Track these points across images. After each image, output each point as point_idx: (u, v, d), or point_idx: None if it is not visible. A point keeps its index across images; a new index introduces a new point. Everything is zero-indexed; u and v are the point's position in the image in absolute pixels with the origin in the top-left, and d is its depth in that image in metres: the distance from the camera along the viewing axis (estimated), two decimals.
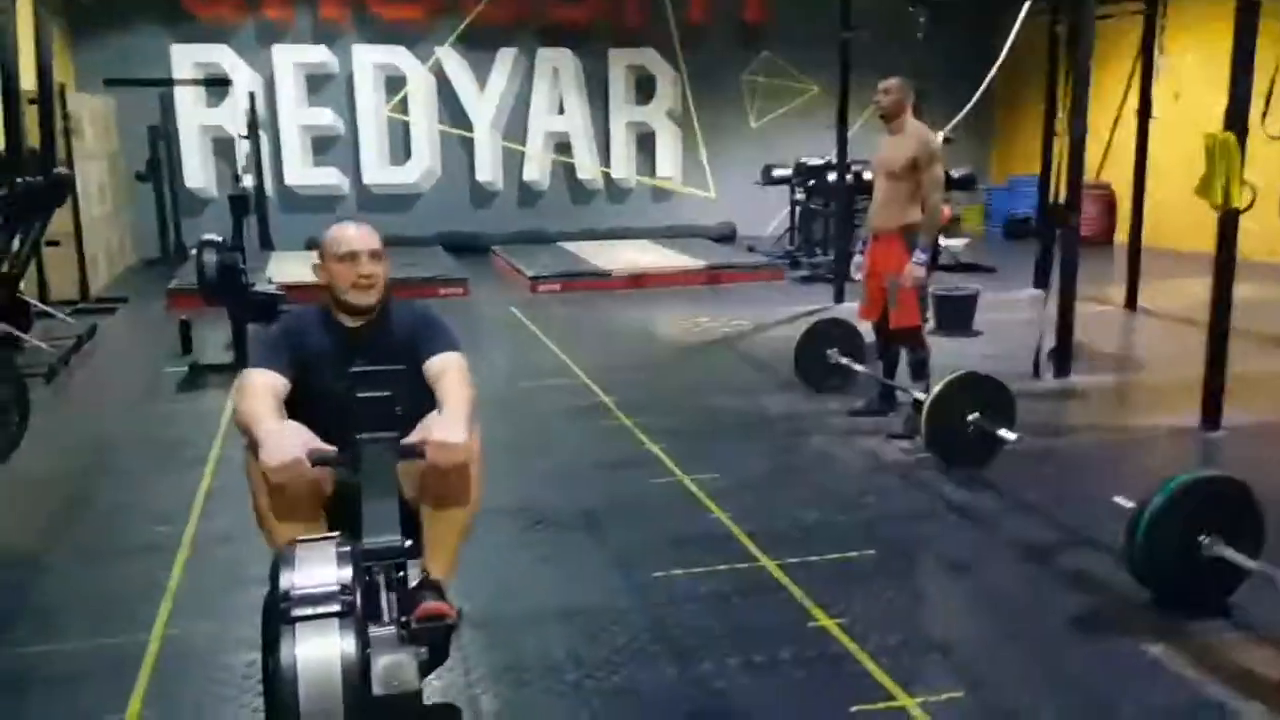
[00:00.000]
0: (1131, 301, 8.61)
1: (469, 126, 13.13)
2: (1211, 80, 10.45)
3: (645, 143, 13.74)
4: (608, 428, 5.46)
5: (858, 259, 5.47)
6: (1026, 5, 9.02)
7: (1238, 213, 5.05)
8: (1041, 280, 9.25)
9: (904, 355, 5.30)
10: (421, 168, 13.07)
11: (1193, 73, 10.43)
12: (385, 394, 2.36)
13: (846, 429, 5.31)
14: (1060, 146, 7.86)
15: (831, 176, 10.22)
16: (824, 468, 4.77)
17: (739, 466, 4.76)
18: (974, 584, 3.56)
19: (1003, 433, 4.51)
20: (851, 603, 3.37)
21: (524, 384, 6.44)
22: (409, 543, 2.22)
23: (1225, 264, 5.13)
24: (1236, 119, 4.97)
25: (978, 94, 9.93)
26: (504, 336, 8.15)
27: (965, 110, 10.06)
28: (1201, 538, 3.17)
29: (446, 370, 2.66)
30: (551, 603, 3.42)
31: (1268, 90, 6.38)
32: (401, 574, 2.17)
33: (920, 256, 5.01)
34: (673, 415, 5.66)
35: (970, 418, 4.60)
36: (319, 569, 1.88)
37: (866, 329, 5.61)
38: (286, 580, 1.84)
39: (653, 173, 13.84)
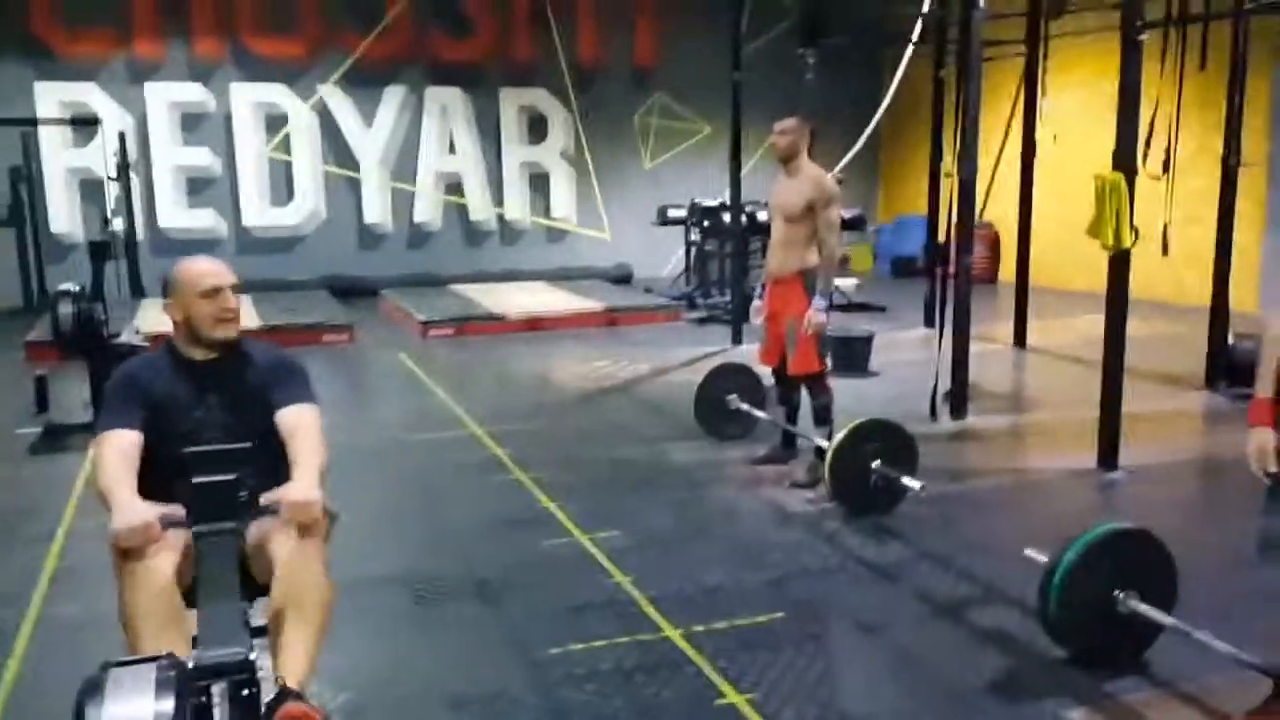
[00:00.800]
0: (1020, 339, 8.73)
1: (355, 166, 12.73)
2: (1088, 122, 10.93)
3: (539, 183, 13.54)
4: (501, 484, 5.18)
5: (756, 302, 5.34)
6: (909, 50, 9.21)
7: (1128, 253, 5.09)
8: (932, 319, 9.37)
9: (808, 400, 5.17)
10: (305, 209, 12.60)
11: (1068, 114, 10.78)
12: (228, 477, 2.07)
13: (750, 479, 5.15)
14: (948, 187, 7.99)
15: (726, 217, 10.19)
16: (728, 521, 4.58)
17: (641, 523, 4.54)
18: (887, 646, 3.39)
19: (907, 480, 4.40)
20: (762, 675, 3.17)
21: (412, 437, 6.12)
22: (253, 655, 1.91)
23: (1117, 304, 5.16)
24: (1124, 159, 5.02)
25: (865, 135, 10.08)
26: (392, 385, 7.79)
27: (854, 151, 10.22)
28: (1116, 593, 3.08)
29: (301, 426, 2.56)
30: (440, 688, 3.13)
31: (1147, 133, 6.57)
32: (249, 691, 1.87)
33: (820, 302, 4.90)
34: (570, 469, 5.41)
35: (874, 465, 4.48)
36: (132, 702, 1.57)
37: (766, 373, 5.48)
38: (92, 717, 1.53)
39: (547, 213, 13.64)
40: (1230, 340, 6.87)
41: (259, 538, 2.36)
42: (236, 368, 2.65)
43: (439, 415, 6.64)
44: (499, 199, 13.37)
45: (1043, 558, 3.22)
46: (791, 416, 5.30)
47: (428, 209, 13.09)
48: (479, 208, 13.27)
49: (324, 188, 12.65)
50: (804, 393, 5.18)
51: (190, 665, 1.77)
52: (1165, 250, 7.78)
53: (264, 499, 2.28)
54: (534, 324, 10.01)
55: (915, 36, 9.09)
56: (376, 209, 12.86)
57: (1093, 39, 9.12)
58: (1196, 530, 4.34)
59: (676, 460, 5.52)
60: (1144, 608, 3.05)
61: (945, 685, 3.11)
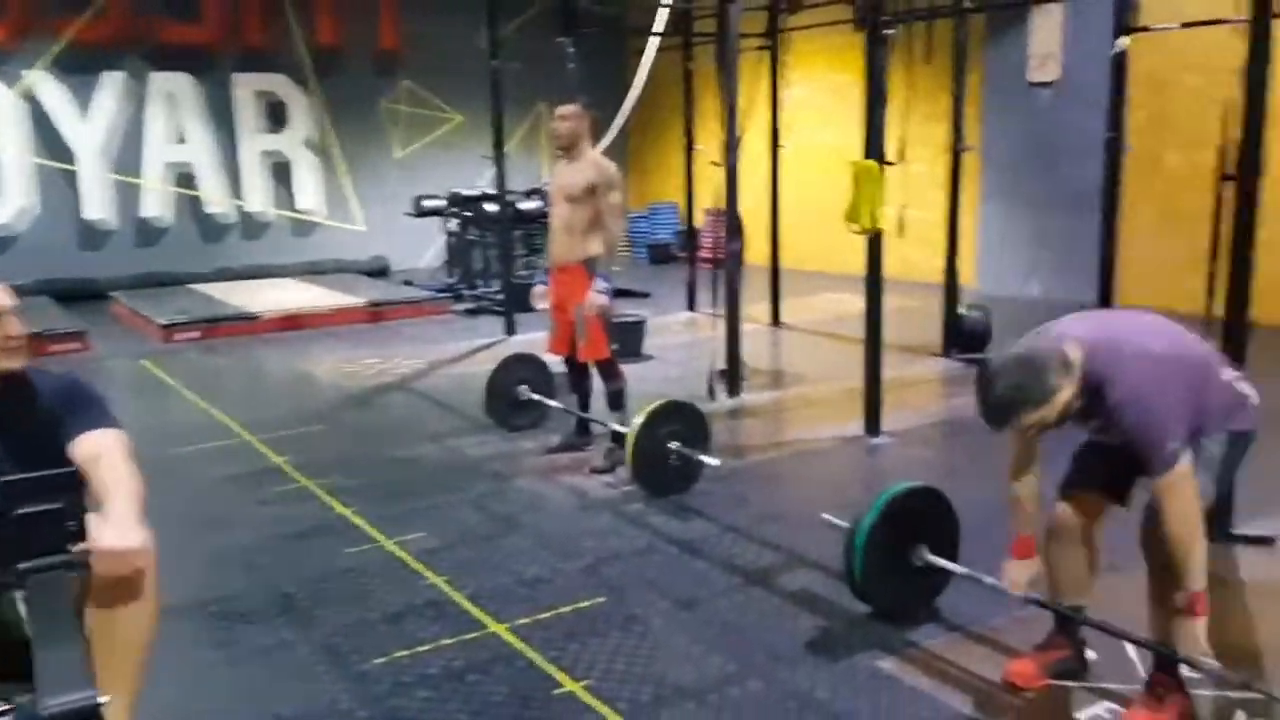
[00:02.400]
0: (776, 318, 9.23)
1: (70, 158, 11.58)
2: (816, 113, 11.68)
3: (281, 173, 12.84)
4: (287, 493, 4.92)
5: (539, 288, 5.36)
6: (654, 42, 9.47)
7: (880, 234, 5.51)
8: (693, 303, 9.74)
9: (601, 387, 5.24)
10: (14, 206, 11.33)
11: (798, 106, 11.45)
12: (52, 506, 1.87)
13: (548, 468, 5.17)
14: (710, 175, 8.30)
15: (490, 207, 10.10)
16: (535, 512, 4.58)
17: (445, 521, 4.46)
18: (706, 618, 3.52)
19: (705, 459, 4.58)
20: (594, 660, 3.21)
21: (175, 450, 5.67)
22: (104, 699, 1.73)
23: (874, 283, 5.56)
24: (874, 148, 5.41)
25: (618, 123, 10.28)
26: (140, 396, 7.18)
27: (607, 140, 10.39)
28: (912, 548, 3.35)
29: (103, 454, 2.24)
30: (257, 713, 2.95)
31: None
32: None
33: (601, 284, 4.97)
34: (360, 471, 5.22)
35: (671, 446, 4.63)
36: None
37: (556, 361, 5.51)
38: None
39: (292, 205, 12.97)
40: (961, 311, 7.60)
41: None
42: (25, 402, 2.31)
43: (203, 425, 6.20)
44: (238, 191, 12.58)
45: (841, 522, 3.45)
46: (584, 403, 5.36)
47: (157, 203, 12.11)
48: (216, 201, 12.43)
49: (36, 182, 11.43)
50: (595, 379, 5.25)
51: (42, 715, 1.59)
52: (901, 231, 8.47)
53: (74, 550, 1.99)
54: (291, 322, 9.52)
55: (659, 28, 9.35)
56: (97, 204, 11.76)
57: (821, 34, 9.71)
58: (960, 485, 4.78)
59: (471, 455, 5.45)
60: (937, 559, 3.34)
61: (765, 648, 3.28)
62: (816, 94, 11.78)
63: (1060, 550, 2.87)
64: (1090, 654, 3.05)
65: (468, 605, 3.62)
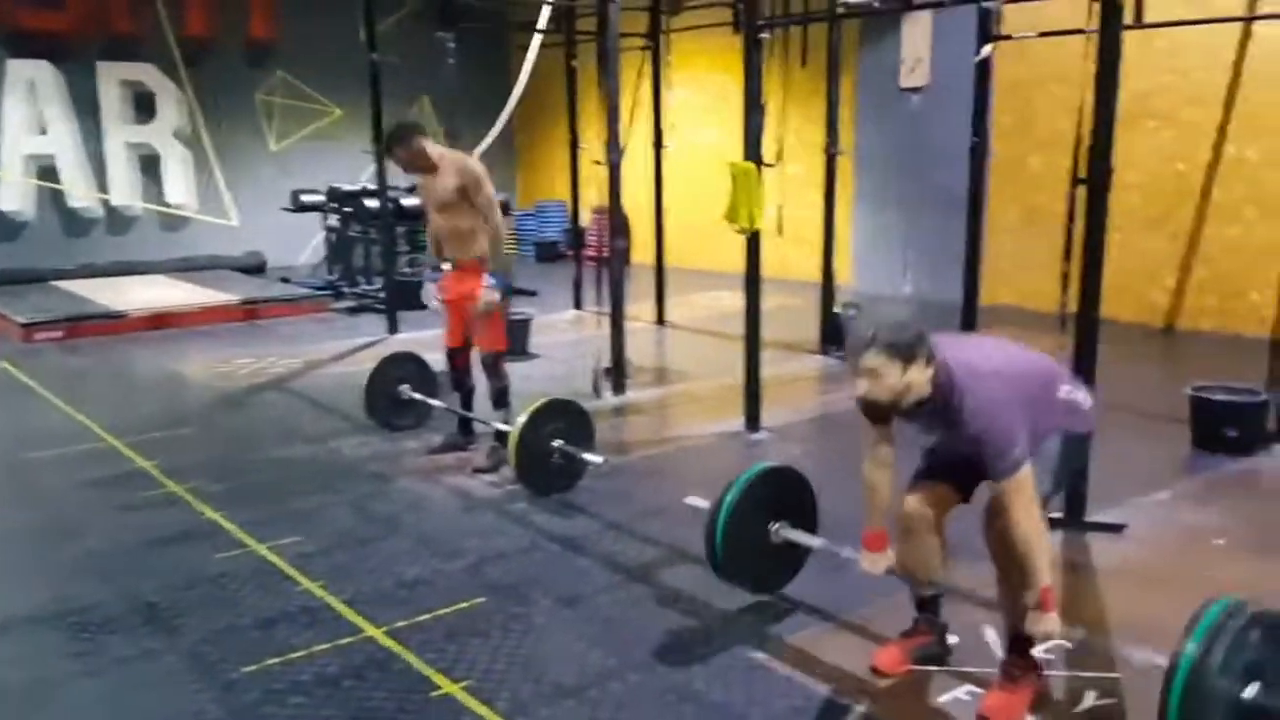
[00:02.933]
0: (660, 317, 9.31)
1: None
2: (704, 112, 11.83)
3: (150, 166, 12.34)
4: (153, 498, 4.74)
5: (430, 287, 5.29)
6: (538, 39, 9.43)
7: (758, 234, 5.61)
8: (579, 301, 9.75)
9: (485, 386, 5.20)
10: None
11: (685, 105, 11.59)
12: None
13: (429, 468, 5.11)
14: (595, 174, 8.31)
15: (371, 203, 9.91)
16: (415, 513, 4.52)
17: (321, 525, 4.37)
18: (586, 616, 3.54)
19: (588, 456, 4.60)
20: (473, 661, 3.20)
21: (32, 454, 5.41)
22: None
23: (753, 282, 5.66)
24: (753, 149, 5.51)
25: (501, 120, 10.20)
26: None
27: (491, 137, 10.31)
28: (771, 525, 3.38)
29: None
30: None
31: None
32: None
33: (490, 280, 4.93)
34: (232, 475, 5.06)
35: (555, 445, 4.63)
36: None
37: (439, 359, 5.45)
38: None
39: (162, 199, 12.48)
40: (837, 310, 7.81)
41: None
42: None
43: (64, 429, 5.93)
44: (103, 184, 12.04)
45: (704, 503, 3.51)
46: (466, 402, 5.32)
47: (15, 196, 11.51)
48: (79, 194, 11.87)
49: None
50: (477, 377, 5.21)
51: None
52: (780, 231, 8.65)
53: None
54: (160, 321, 9.16)
55: (542, 24, 9.32)
56: None
57: (703, 35, 9.83)
58: (834, 478, 4.91)
59: (349, 456, 5.34)
60: (796, 534, 3.37)
61: (644, 644, 3.31)
62: (699, 94, 11.92)
63: (912, 540, 2.97)
64: (952, 638, 3.18)
65: (344, 609, 3.55)
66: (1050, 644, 2.67)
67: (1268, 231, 7.68)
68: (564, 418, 4.70)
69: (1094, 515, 4.18)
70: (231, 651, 3.27)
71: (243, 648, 3.29)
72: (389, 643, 3.32)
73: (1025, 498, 2.61)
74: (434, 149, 4.97)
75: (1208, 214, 7.98)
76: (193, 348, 8.31)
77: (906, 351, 2.61)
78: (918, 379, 2.64)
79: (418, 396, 5.59)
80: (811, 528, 3.50)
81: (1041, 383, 2.80)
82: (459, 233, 4.97)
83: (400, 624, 3.43)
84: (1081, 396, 2.86)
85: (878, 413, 2.84)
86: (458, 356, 5.20)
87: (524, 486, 4.64)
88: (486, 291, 4.91)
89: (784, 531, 3.40)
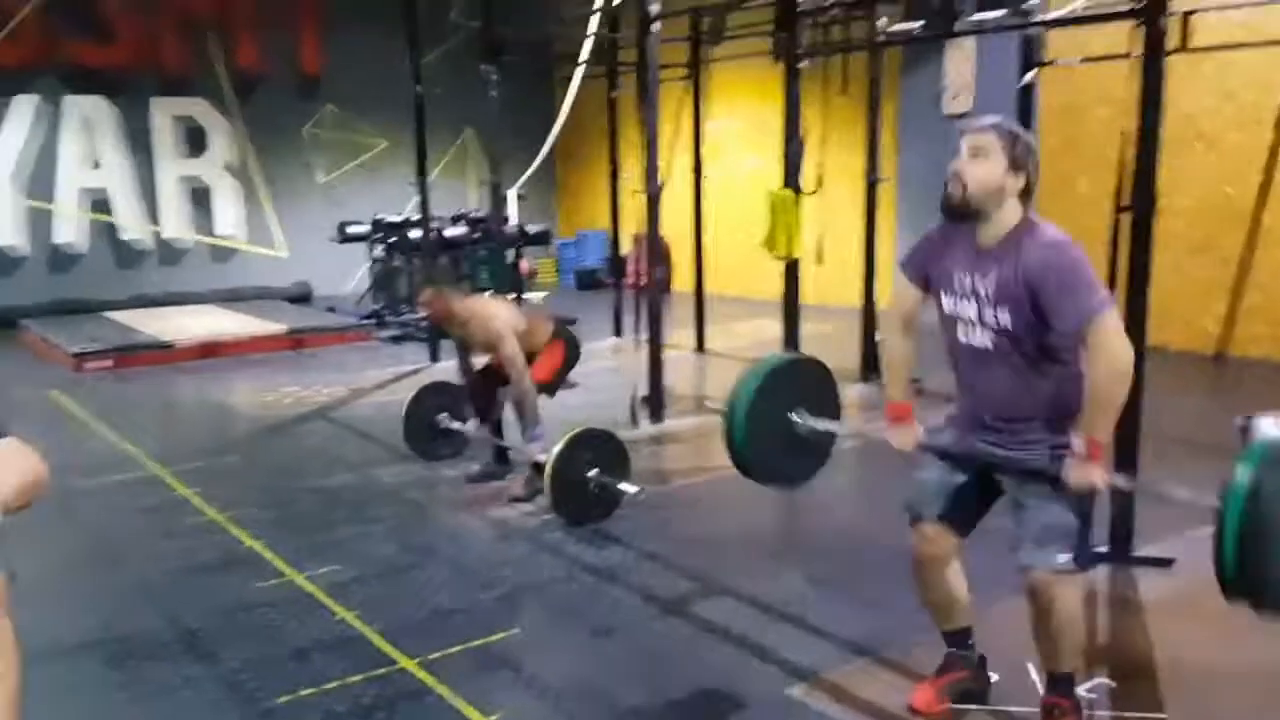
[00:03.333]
0: (700, 344, 9.29)
1: None
2: (739, 142, 11.84)
3: (200, 199, 12.61)
4: (196, 526, 4.80)
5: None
6: (580, 70, 9.53)
7: (798, 261, 5.60)
8: (619, 329, 9.76)
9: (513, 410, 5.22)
10: None
11: (722, 135, 11.59)
12: None
13: (467, 498, 5.12)
14: (627, 202, 8.34)
15: (414, 233, 10.03)
16: (451, 543, 4.53)
17: (360, 554, 4.39)
18: (622, 649, 3.51)
19: (624, 486, 4.58)
20: (505, 693, 3.18)
21: (82, 483, 5.50)
22: None
23: (791, 308, 5.66)
24: (791, 177, 5.51)
25: (544, 151, 10.30)
26: (44, 427, 6.93)
27: (534, 167, 10.40)
28: (793, 415, 3.14)
29: None
30: None
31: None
32: None
33: (532, 436, 4.96)
34: (274, 504, 5.11)
35: (590, 474, 4.62)
36: None
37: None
38: None
39: (211, 231, 12.73)
40: (878, 338, 7.73)
41: None
42: None
43: (110, 458, 6.03)
44: (154, 217, 12.32)
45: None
46: (496, 430, 5.34)
47: (71, 229, 11.81)
48: (132, 227, 12.16)
49: None
50: (505, 406, 5.24)
51: None
52: (820, 258, 8.61)
53: None
54: (208, 350, 9.32)
55: (585, 57, 9.41)
56: (8, 230, 11.42)
57: (742, 65, 9.85)
58: (874, 506, 4.85)
59: (388, 484, 5.38)
60: (819, 422, 3.17)
61: (679, 678, 3.28)
62: (740, 123, 11.93)
63: (929, 581, 2.88)
64: (993, 675, 3.10)
65: (378, 640, 3.55)
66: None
67: None
68: (600, 447, 4.69)
69: (1142, 549, 4.08)
70: (269, 680, 3.29)
71: (279, 677, 3.31)
72: (422, 674, 3.31)
73: (1120, 337, 2.40)
74: (462, 305, 5.12)
75: (1258, 239, 7.81)
76: (240, 377, 8.44)
77: (1020, 151, 2.53)
78: (1011, 188, 2.53)
79: (456, 426, 5.61)
80: (835, 414, 3.28)
81: None
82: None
83: (434, 655, 3.42)
84: None
85: (955, 206, 2.59)
86: (477, 384, 5.27)
87: (559, 516, 4.63)
88: (530, 448, 4.94)
89: (807, 421, 3.15)
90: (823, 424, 3.18)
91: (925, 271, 2.76)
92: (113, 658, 3.47)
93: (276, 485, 5.47)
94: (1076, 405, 2.52)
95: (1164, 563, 4.03)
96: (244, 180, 12.87)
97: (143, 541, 4.65)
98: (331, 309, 11.70)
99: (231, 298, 12.04)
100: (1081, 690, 3.01)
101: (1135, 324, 4.01)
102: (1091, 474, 2.45)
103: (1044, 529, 2.57)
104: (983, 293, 2.59)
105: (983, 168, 2.53)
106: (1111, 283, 4.11)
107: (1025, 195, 2.57)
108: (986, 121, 2.60)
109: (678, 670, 3.33)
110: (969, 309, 2.63)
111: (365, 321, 10.57)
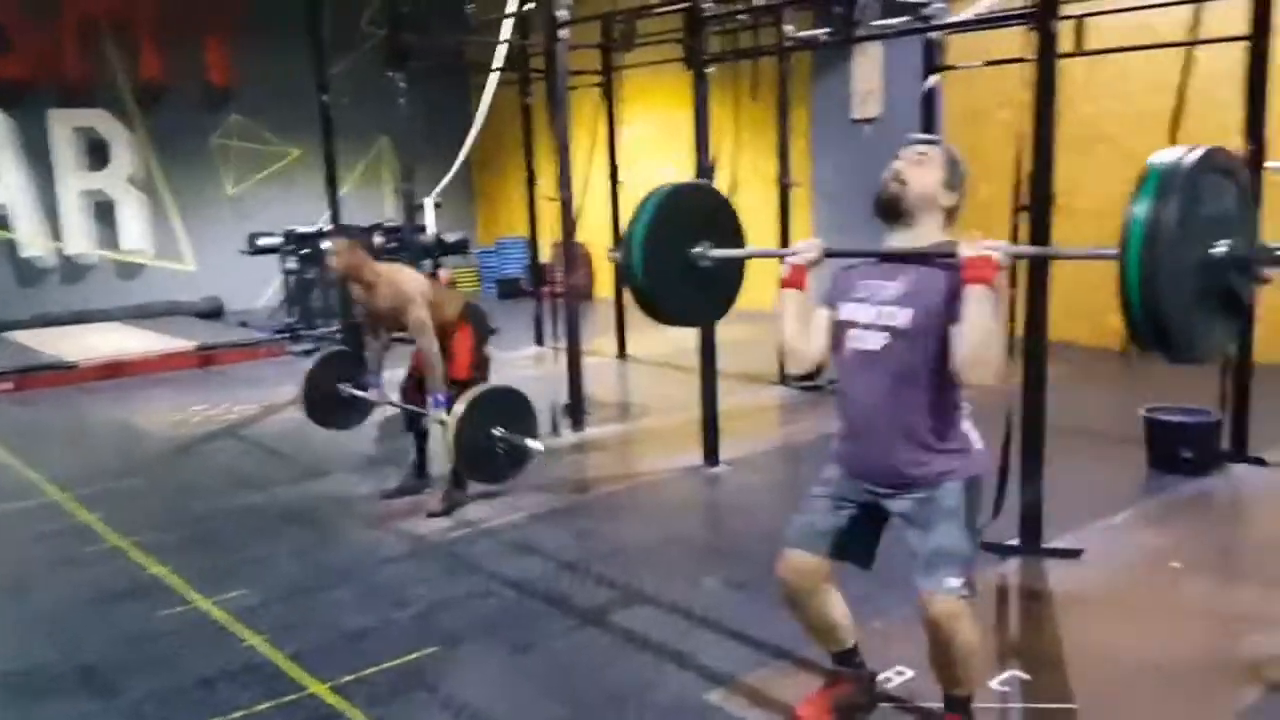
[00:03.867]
0: (622, 351, 9.28)
1: None
2: (660, 146, 11.87)
3: (104, 213, 12.21)
4: (97, 553, 4.62)
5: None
6: (494, 78, 9.45)
7: None
8: (541, 337, 9.70)
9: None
10: None
11: (639, 140, 11.62)
12: None
13: (382, 514, 5.01)
14: (545, 209, 8.27)
15: (328, 244, 9.82)
16: (365, 561, 4.43)
17: (269, 576, 4.26)
18: (540, 662, 3.45)
19: (530, 443, 4.61)
20: (423, 715, 3.11)
21: None
22: None
23: None
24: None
25: (459, 159, 10.20)
26: None
27: (450, 175, 10.29)
28: (694, 246, 3.06)
29: None
30: None
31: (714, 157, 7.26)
32: None
33: (434, 401, 4.81)
34: (179, 526, 4.95)
35: (496, 433, 4.60)
36: None
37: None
38: None
39: (116, 246, 12.34)
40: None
41: None
42: None
43: (8, 485, 5.78)
44: (56, 233, 11.89)
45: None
46: (421, 444, 5.24)
47: None
48: (33, 244, 11.71)
49: None
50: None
51: None
52: None
53: None
54: (114, 370, 9.01)
55: (498, 64, 9.33)
56: None
57: (655, 71, 9.88)
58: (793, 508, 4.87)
59: (299, 503, 5.24)
60: (724, 252, 3.10)
61: (598, 689, 3.24)
62: (656, 128, 11.96)
63: (803, 607, 2.81)
64: (888, 677, 3.10)
65: (288, 665, 3.45)
66: None
67: None
68: (503, 405, 4.67)
69: (1051, 541, 4.16)
70: (172, 713, 3.17)
71: (184, 708, 3.19)
72: (334, 699, 3.22)
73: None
74: (372, 267, 4.93)
75: None
76: (147, 396, 8.18)
77: (958, 173, 2.63)
78: (942, 201, 2.61)
79: (357, 393, 5.38)
80: (739, 246, 3.23)
81: None
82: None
83: (346, 678, 3.33)
84: (975, 436, 2.65)
85: (888, 201, 2.61)
86: (411, 390, 5.11)
87: (468, 477, 4.60)
88: (435, 413, 4.83)
89: (709, 252, 3.06)
90: (724, 253, 3.10)
91: (831, 299, 2.75)
92: (3, 696, 3.31)
93: (183, 508, 5.30)
94: (948, 437, 2.57)
95: (1073, 554, 4.12)
96: (150, 193, 12.49)
97: (40, 571, 4.46)
98: (244, 323, 11.41)
99: (139, 315, 11.67)
100: (994, 684, 3.06)
101: (1036, 321, 4.11)
102: (984, 247, 2.43)
103: (934, 553, 2.51)
104: (886, 295, 2.59)
105: (922, 174, 2.60)
106: (1013, 281, 4.18)
107: (950, 215, 2.63)
108: (933, 138, 2.70)
109: (597, 682, 3.29)
110: (867, 313, 2.62)
111: (278, 336, 10.33)
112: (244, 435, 6.80)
